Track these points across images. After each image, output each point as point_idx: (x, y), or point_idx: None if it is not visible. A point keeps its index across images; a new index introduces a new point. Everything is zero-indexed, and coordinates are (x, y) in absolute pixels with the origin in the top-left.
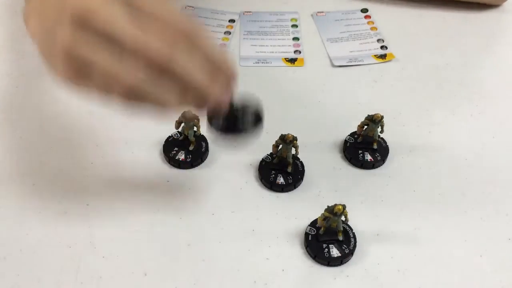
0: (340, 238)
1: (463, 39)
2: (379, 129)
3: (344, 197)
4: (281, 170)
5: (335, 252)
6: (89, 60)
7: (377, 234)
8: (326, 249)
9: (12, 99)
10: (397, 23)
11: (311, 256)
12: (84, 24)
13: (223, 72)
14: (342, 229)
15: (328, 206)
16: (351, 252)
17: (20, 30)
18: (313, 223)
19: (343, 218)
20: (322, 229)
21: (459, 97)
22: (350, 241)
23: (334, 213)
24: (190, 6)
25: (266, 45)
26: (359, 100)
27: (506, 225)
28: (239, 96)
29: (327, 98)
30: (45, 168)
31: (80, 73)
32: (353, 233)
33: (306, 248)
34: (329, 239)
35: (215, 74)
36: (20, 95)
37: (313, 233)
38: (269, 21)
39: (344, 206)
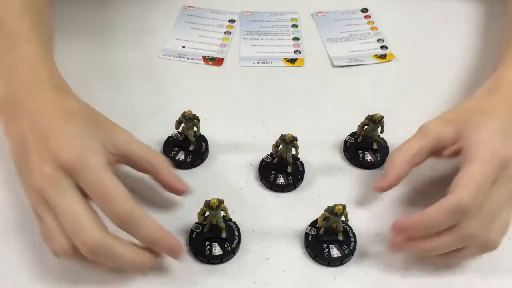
0: (340, 238)
1: (463, 39)
2: (379, 129)
3: (344, 197)
4: (281, 170)
5: (335, 252)
6: (40, 213)
7: (377, 234)
8: (326, 249)
9: None
10: (397, 23)
11: (311, 256)
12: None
13: (162, 246)
14: (342, 229)
15: (328, 206)
16: (351, 252)
17: None
18: (313, 223)
19: (343, 218)
20: (322, 229)
21: (459, 97)
22: (350, 241)
23: (334, 213)
24: (190, 6)
25: (266, 45)
26: (359, 100)
27: None
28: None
29: (327, 98)
30: None
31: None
32: (353, 233)
33: (306, 248)
34: (329, 239)
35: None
36: None
37: (313, 233)
38: (269, 21)
39: (344, 206)
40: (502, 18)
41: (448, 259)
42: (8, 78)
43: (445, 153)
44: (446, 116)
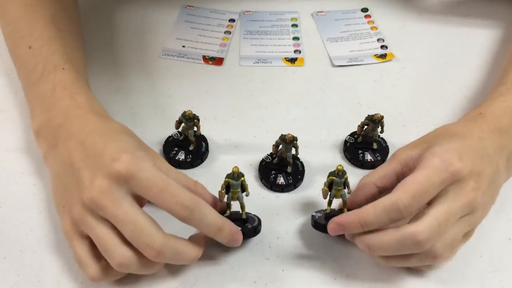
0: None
1: (463, 39)
2: (379, 129)
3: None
4: (281, 170)
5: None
6: (89, 228)
7: None
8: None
9: (12, 99)
10: (397, 23)
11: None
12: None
13: (226, 233)
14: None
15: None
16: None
17: None
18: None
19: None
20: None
21: (459, 97)
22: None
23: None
24: (190, 6)
25: (266, 45)
26: (359, 100)
27: (506, 225)
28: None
29: (327, 98)
30: (45, 168)
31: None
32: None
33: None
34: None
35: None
36: (20, 95)
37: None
38: (269, 20)
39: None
40: (503, 17)
41: (394, 263)
42: (45, 105)
43: None
44: (416, 141)
